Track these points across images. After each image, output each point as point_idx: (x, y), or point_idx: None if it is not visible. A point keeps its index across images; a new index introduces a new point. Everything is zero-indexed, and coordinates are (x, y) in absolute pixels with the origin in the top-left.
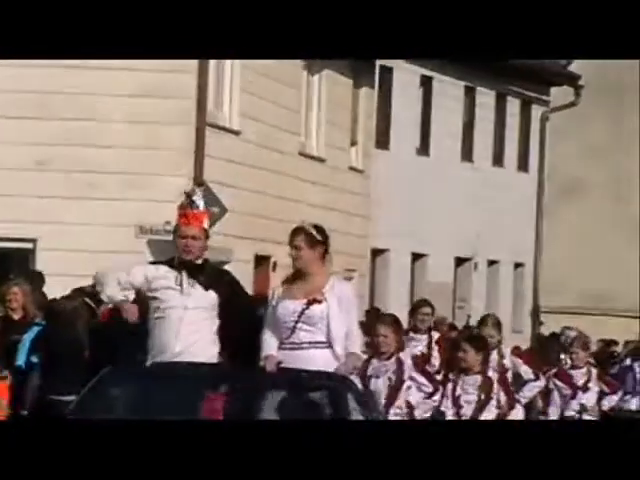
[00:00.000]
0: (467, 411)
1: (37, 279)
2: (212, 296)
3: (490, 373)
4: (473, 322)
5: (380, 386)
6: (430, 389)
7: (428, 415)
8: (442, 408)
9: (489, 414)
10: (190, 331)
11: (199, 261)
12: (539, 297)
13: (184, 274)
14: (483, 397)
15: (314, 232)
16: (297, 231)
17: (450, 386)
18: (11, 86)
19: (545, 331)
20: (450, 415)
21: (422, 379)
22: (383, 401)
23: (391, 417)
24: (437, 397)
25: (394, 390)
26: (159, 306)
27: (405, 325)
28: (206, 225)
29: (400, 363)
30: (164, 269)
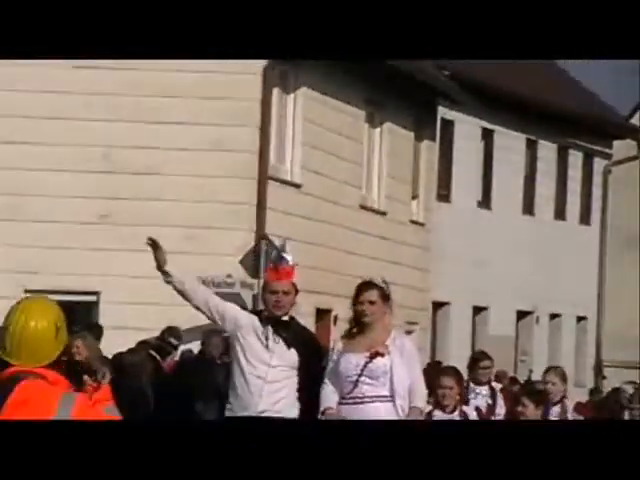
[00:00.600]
0: None
1: (96, 332)
2: (294, 355)
3: None
4: (535, 376)
5: None
6: None
7: None
8: None
9: None
10: (273, 390)
11: (285, 317)
12: (601, 351)
13: (270, 330)
14: None
15: (385, 286)
16: (369, 286)
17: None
18: (76, 140)
19: (607, 385)
20: None
21: None
22: None
23: None
24: None
25: None
26: (242, 356)
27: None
28: (295, 280)
29: (465, 416)
30: (253, 319)
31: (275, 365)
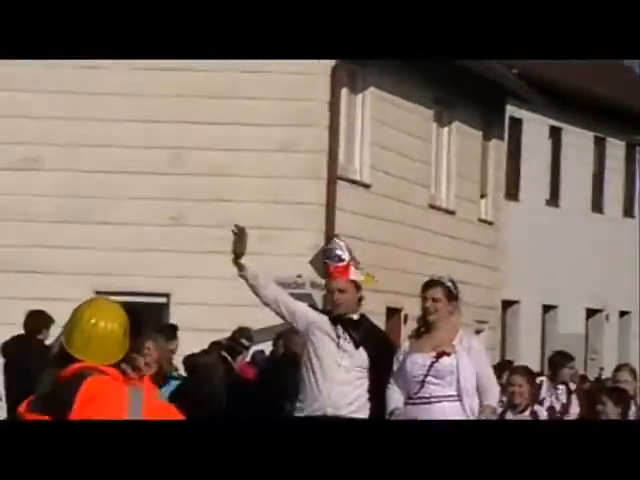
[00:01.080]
0: None
1: (170, 332)
2: (364, 356)
3: None
4: (606, 374)
5: None
6: None
7: None
8: None
9: None
10: (343, 391)
11: (355, 316)
12: None
13: (339, 329)
14: None
15: (451, 285)
16: (434, 284)
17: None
18: (145, 143)
19: None
20: None
21: None
22: None
23: None
24: None
25: None
26: (314, 355)
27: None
28: (354, 276)
29: (535, 416)
30: (323, 318)
31: (346, 365)
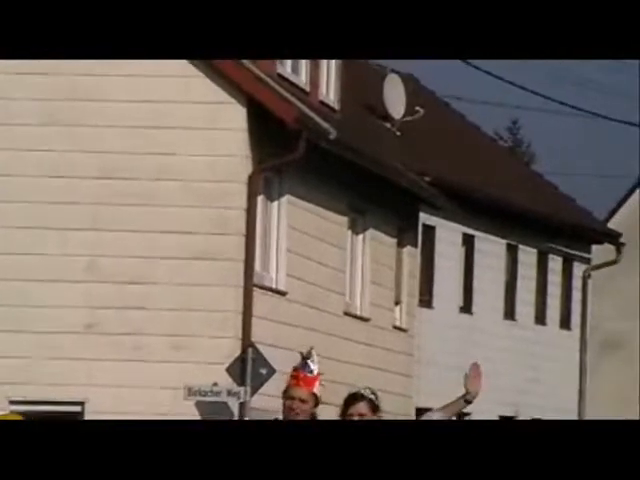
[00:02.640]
0: None
1: None
2: None
3: None
4: None
5: None
6: None
7: None
8: None
9: None
10: None
11: None
12: None
13: None
14: None
15: (374, 397)
16: (358, 398)
17: None
18: (61, 250)
19: None
20: None
21: None
22: None
23: None
24: None
25: None
26: None
27: None
28: (316, 390)
29: None
30: None
31: None
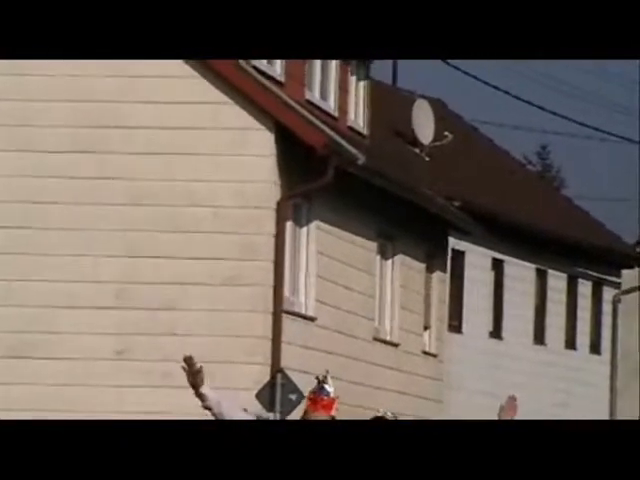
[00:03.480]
0: None
1: None
2: None
3: None
4: None
5: None
6: None
7: None
8: None
9: None
10: None
11: None
12: None
13: None
14: None
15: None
16: (380, 421)
17: None
18: (90, 276)
19: None
20: None
21: None
22: None
23: None
24: None
25: None
26: None
27: None
28: (334, 413)
29: None
30: None
31: None
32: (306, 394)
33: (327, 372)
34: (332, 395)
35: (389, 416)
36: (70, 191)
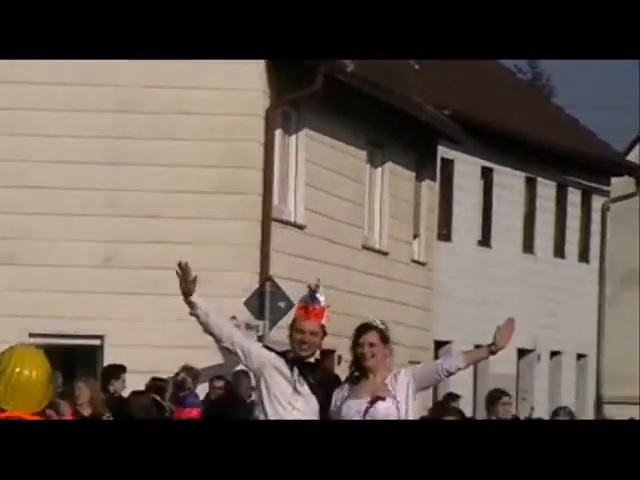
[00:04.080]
0: None
1: (115, 373)
2: (315, 401)
3: None
4: (538, 414)
5: None
6: None
7: None
8: None
9: None
10: None
11: (311, 360)
12: (602, 388)
13: (296, 371)
14: None
15: (384, 327)
16: (368, 328)
17: None
18: (79, 184)
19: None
20: None
21: None
22: None
23: None
24: None
25: None
26: (267, 396)
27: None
28: (325, 322)
29: None
30: (279, 360)
31: (300, 408)
32: (296, 302)
33: (318, 281)
34: (323, 304)
35: (377, 324)
36: (58, 98)
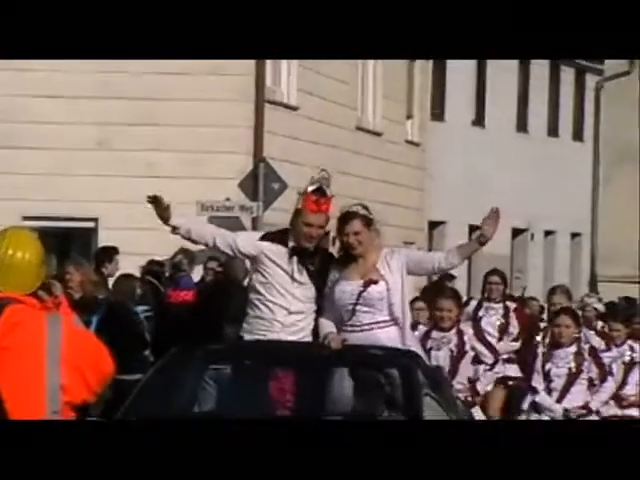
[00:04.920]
0: (557, 385)
1: (108, 255)
2: (313, 290)
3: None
4: (532, 293)
5: (441, 358)
6: (491, 360)
7: (491, 387)
8: (533, 383)
9: (579, 387)
10: (294, 320)
11: (311, 248)
12: (596, 266)
13: (295, 260)
14: (574, 370)
15: (366, 212)
16: (350, 216)
17: (539, 360)
18: (71, 66)
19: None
20: (541, 389)
21: (483, 349)
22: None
23: (455, 390)
24: (498, 368)
25: (456, 361)
26: (264, 284)
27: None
28: (330, 212)
29: (461, 334)
30: (279, 249)
31: (298, 296)
32: (290, 185)
33: (322, 170)
34: (329, 194)
35: (358, 209)
36: None
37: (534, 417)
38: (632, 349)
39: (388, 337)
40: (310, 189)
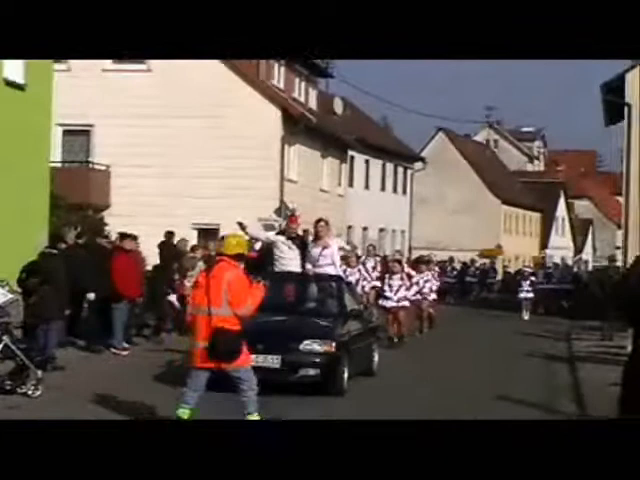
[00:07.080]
0: (394, 288)
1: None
2: (297, 253)
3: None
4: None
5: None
6: (372, 281)
7: (369, 288)
8: (384, 288)
9: (403, 290)
10: (290, 264)
11: (295, 235)
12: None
13: (289, 241)
14: (400, 283)
15: (325, 221)
16: (320, 221)
17: (387, 279)
18: None
19: None
20: (387, 292)
21: (367, 275)
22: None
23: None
24: (374, 284)
25: (357, 283)
26: (279, 252)
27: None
28: (300, 221)
29: (360, 271)
30: (281, 237)
31: (291, 257)
32: (288, 215)
33: (293, 205)
34: (297, 214)
35: (323, 220)
36: None
37: (385, 304)
38: (428, 277)
39: (331, 270)
40: (289, 213)
